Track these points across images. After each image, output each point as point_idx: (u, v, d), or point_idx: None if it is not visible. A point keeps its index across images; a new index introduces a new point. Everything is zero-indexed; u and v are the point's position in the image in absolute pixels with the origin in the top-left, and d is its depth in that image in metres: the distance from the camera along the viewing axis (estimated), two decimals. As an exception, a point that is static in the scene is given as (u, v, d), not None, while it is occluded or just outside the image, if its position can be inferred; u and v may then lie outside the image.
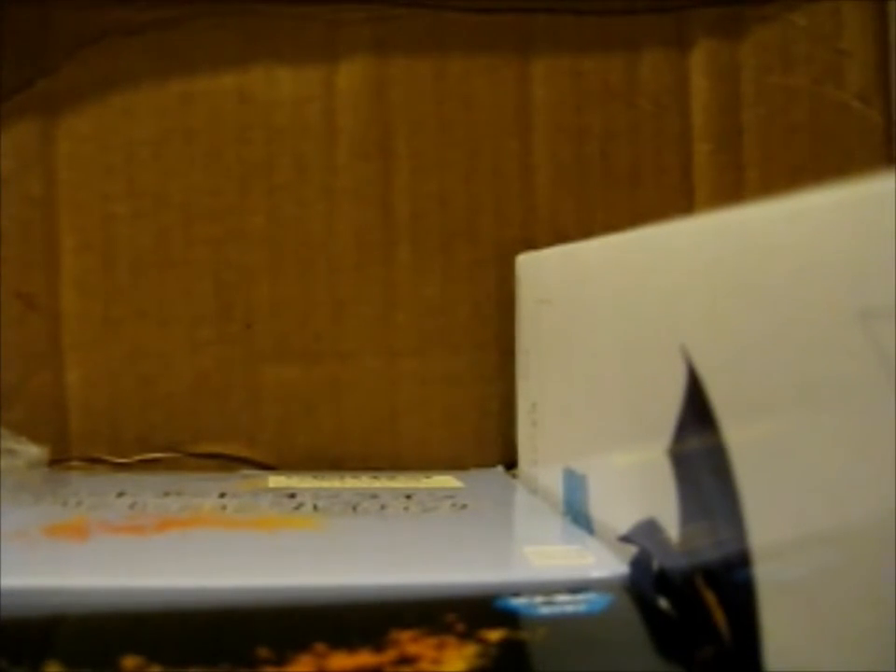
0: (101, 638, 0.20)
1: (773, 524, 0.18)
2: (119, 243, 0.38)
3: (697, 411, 0.21)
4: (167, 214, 0.38)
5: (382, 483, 0.34)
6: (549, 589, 0.22)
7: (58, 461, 0.36)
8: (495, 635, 0.20)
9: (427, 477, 0.35)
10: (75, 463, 0.37)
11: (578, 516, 0.29)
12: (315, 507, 0.30)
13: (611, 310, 0.26)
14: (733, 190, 0.38)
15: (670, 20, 0.38)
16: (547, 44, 0.38)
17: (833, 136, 0.38)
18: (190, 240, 0.38)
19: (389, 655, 0.19)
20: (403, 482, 0.34)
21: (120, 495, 0.31)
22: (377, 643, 0.20)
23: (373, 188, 0.38)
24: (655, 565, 0.23)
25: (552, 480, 0.31)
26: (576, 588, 0.22)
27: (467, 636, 0.20)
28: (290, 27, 0.38)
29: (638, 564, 0.24)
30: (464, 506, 0.30)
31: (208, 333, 0.38)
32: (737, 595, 0.19)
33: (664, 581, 0.23)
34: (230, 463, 0.38)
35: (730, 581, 0.20)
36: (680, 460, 0.22)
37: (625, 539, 0.25)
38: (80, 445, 0.38)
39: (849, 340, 0.16)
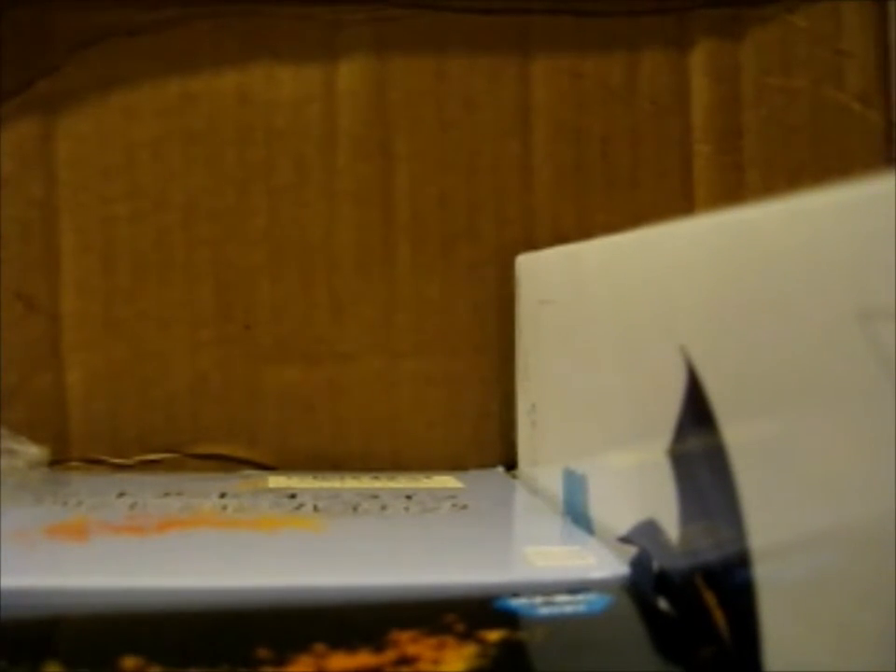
0: (101, 638, 0.20)
1: (772, 524, 0.18)
2: (120, 244, 0.38)
3: (697, 411, 0.21)
4: (167, 215, 0.38)
5: (382, 483, 0.34)
6: (549, 589, 0.22)
7: (58, 461, 0.36)
8: (494, 635, 0.20)
9: (428, 477, 0.35)
10: (75, 463, 0.37)
11: (578, 516, 0.29)
12: (315, 507, 0.30)
13: (611, 310, 0.26)
14: (733, 191, 0.38)
15: (670, 21, 0.38)
16: (547, 44, 0.38)
17: (833, 137, 0.38)
18: (191, 241, 0.38)
19: (389, 656, 0.19)
20: (403, 482, 0.34)
21: (121, 495, 0.31)
22: (377, 643, 0.20)
23: (373, 188, 0.38)
24: (655, 565, 0.23)
25: (551, 480, 0.31)
26: (576, 588, 0.22)
27: (466, 636, 0.20)
28: (290, 27, 0.38)
29: (638, 564, 0.24)
30: (464, 506, 0.30)
31: (208, 334, 0.38)
32: (737, 595, 0.19)
33: (663, 581, 0.23)
34: (230, 464, 0.38)
35: (729, 582, 0.20)
36: (680, 461, 0.22)
37: (625, 539, 0.25)
38: (80, 446, 0.38)
39: (849, 340, 0.16)
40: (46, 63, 0.37)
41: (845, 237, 0.16)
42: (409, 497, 0.31)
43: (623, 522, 0.25)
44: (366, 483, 0.34)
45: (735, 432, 0.20)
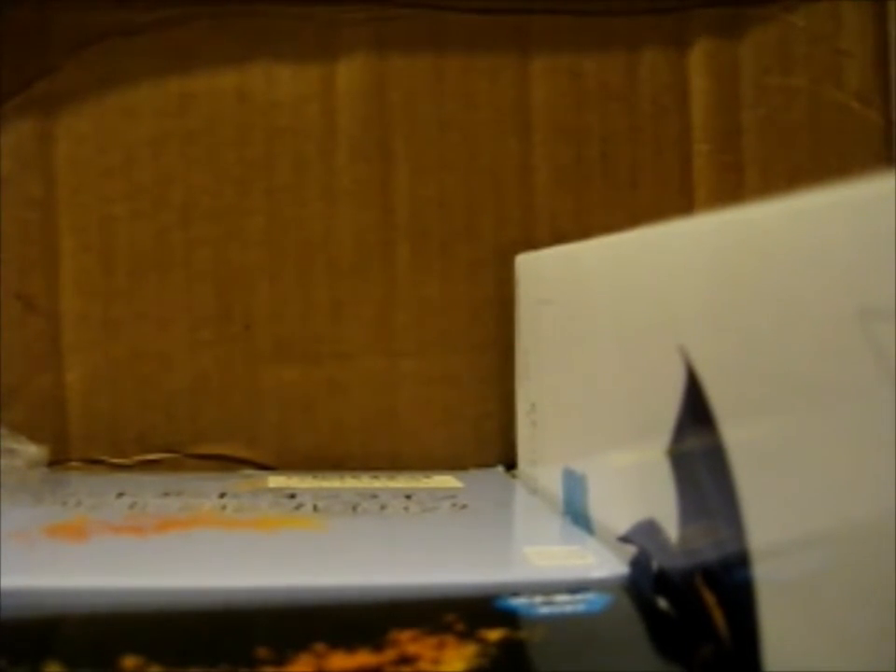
0: (101, 638, 0.21)
1: (772, 524, 0.18)
2: (119, 244, 0.38)
3: (696, 411, 0.21)
4: (166, 214, 0.38)
5: (382, 483, 0.34)
6: (548, 589, 0.22)
7: (57, 461, 0.36)
8: (494, 634, 0.20)
9: (427, 477, 0.35)
10: (74, 463, 0.37)
11: (577, 516, 0.29)
12: (314, 507, 0.30)
13: (611, 310, 0.26)
14: (732, 190, 0.38)
15: (669, 20, 0.38)
16: (546, 44, 0.38)
17: (833, 137, 0.38)
18: (190, 241, 0.38)
19: (389, 655, 0.19)
20: (403, 482, 0.34)
21: (120, 495, 0.31)
22: (377, 643, 0.20)
23: (373, 188, 0.38)
24: (654, 565, 0.23)
25: (551, 480, 0.31)
26: (575, 588, 0.22)
27: (466, 635, 0.20)
28: (290, 27, 0.38)
29: (638, 564, 0.24)
30: (464, 506, 0.30)
31: (208, 334, 0.38)
32: (736, 595, 0.19)
33: (663, 581, 0.23)
34: (229, 464, 0.38)
35: (729, 582, 0.20)
36: (679, 460, 0.22)
37: (625, 539, 0.25)
38: (80, 446, 0.38)
39: (849, 340, 0.16)
40: (45, 63, 0.37)
41: (845, 237, 0.16)
42: (408, 497, 0.31)
43: (623, 521, 0.25)
44: (366, 482, 0.34)
45: (735, 432, 0.20)
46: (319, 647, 0.20)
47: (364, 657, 0.19)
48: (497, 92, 0.38)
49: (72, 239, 0.37)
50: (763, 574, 0.19)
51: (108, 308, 0.38)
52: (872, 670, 0.16)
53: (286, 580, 0.23)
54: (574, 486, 0.29)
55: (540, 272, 0.35)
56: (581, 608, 0.22)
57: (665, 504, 0.22)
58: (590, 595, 0.22)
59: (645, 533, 0.24)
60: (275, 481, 0.34)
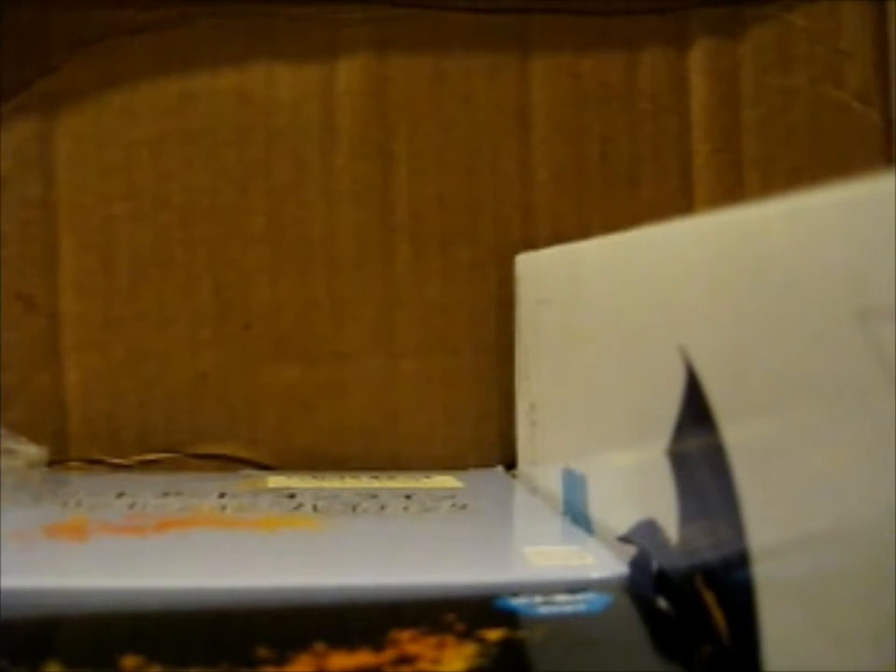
0: (101, 638, 0.21)
1: (772, 523, 0.18)
2: (119, 243, 0.38)
3: (696, 411, 0.21)
4: (166, 214, 0.38)
5: (381, 483, 0.34)
6: (548, 589, 0.22)
7: (57, 461, 0.36)
8: (494, 634, 0.20)
9: (427, 477, 0.35)
10: (74, 463, 0.37)
11: (577, 516, 0.29)
12: (314, 507, 0.30)
13: (611, 310, 0.26)
14: (732, 190, 0.38)
15: (669, 20, 0.38)
16: (546, 44, 0.38)
17: (833, 136, 0.38)
18: (190, 240, 0.38)
19: (389, 655, 0.19)
20: (403, 482, 0.34)
21: (120, 495, 0.31)
22: (377, 643, 0.20)
23: (373, 188, 0.38)
24: (654, 565, 0.23)
25: (551, 480, 0.31)
26: (575, 588, 0.22)
27: (466, 635, 0.20)
28: (290, 27, 0.38)
29: (638, 564, 0.24)
30: (464, 506, 0.30)
31: (208, 334, 0.38)
32: (736, 595, 0.19)
33: (663, 581, 0.23)
34: (229, 464, 0.38)
35: (729, 581, 0.20)
36: (679, 460, 0.22)
37: (625, 539, 0.25)
38: (80, 446, 0.38)
39: (849, 340, 0.16)
40: (45, 63, 0.37)
41: (845, 237, 0.16)
42: (408, 497, 0.31)
43: (623, 521, 0.25)
44: (365, 482, 0.34)
45: (734, 432, 0.20)
46: (319, 647, 0.20)
47: (364, 657, 0.19)
48: (497, 92, 0.38)
49: (72, 239, 0.37)
50: (763, 574, 0.19)
51: (108, 308, 0.38)
52: (872, 670, 0.16)
53: (286, 580, 0.23)
54: (574, 486, 0.29)
55: (540, 272, 0.35)
56: (580, 608, 0.22)
57: (665, 504, 0.22)
58: (590, 596, 0.22)
59: (645, 533, 0.24)
60: (275, 481, 0.34)
